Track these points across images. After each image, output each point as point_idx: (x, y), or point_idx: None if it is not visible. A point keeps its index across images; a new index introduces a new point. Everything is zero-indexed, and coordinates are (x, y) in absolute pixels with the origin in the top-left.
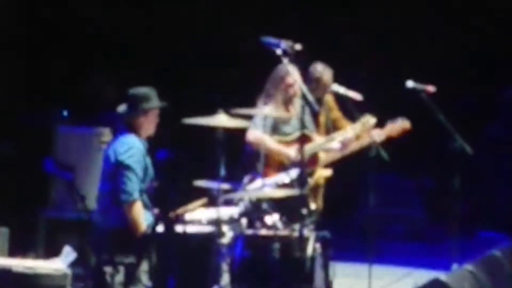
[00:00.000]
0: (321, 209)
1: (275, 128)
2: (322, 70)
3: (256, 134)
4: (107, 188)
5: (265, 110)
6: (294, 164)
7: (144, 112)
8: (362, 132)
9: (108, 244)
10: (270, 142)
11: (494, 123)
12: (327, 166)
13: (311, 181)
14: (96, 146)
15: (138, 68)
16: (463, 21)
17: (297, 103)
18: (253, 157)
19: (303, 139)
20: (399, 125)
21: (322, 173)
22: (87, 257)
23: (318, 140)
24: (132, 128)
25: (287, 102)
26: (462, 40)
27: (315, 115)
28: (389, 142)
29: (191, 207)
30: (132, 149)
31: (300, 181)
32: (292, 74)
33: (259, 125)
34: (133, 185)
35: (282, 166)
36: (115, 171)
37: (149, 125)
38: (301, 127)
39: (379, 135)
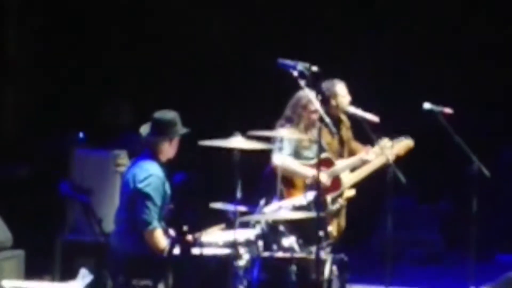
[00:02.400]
0: (343, 229)
1: (297, 153)
2: (336, 84)
3: (282, 157)
4: (124, 214)
5: (282, 132)
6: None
7: (171, 139)
8: (381, 155)
9: (124, 268)
10: (297, 165)
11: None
12: (350, 187)
13: (341, 201)
14: (113, 169)
15: (154, 91)
16: (481, 41)
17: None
18: (274, 180)
19: (325, 163)
20: (404, 144)
21: (346, 194)
22: (103, 279)
23: (339, 163)
24: (154, 152)
25: (307, 128)
26: (481, 60)
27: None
28: (399, 162)
29: (209, 232)
30: (151, 176)
31: (317, 204)
32: (314, 101)
33: (283, 149)
34: (152, 214)
35: (305, 188)
36: (133, 198)
37: (171, 150)
38: (320, 150)
39: (391, 153)
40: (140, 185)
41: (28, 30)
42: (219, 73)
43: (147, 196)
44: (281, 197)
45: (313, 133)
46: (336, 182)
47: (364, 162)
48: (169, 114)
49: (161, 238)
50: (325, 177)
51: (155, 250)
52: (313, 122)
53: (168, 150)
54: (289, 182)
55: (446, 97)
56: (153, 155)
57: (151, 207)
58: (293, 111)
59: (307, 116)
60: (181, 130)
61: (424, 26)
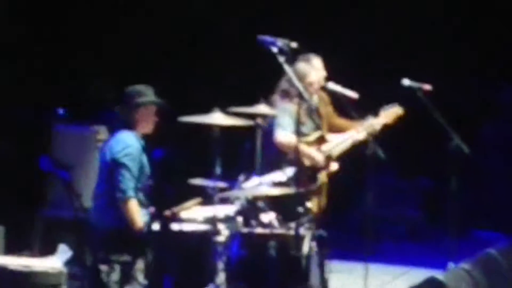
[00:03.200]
0: (325, 207)
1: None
2: (311, 58)
3: (288, 136)
4: (103, 188)
5: (260, 108)
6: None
7: (136, 107)
8: (371, 133)
9: (104, 243)
10: (303, 146)
11: (491, 123)
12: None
13: (320, 177)
14: (93, 145)
15: (136, 68)
16: (461, 18)
17: (314, 101)
18: (277, 158)
19: (318, 141)
20: (393, 112)
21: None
22: (83, 255)
23: (332, 140)
24: (128, 125)
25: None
26: (460, 38)
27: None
28: (380, 138)
29: (186, 206)
30: (128, 147)
31: (296, 180)
32: (311, 73)
33: (287, 126)
34: (128, 183)
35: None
36: (111, 170)
37: (144, 121)
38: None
39: (377, 123)
40: (116, 156)
41: (10, 4)
42: (200, 50)
43: (123, 166)
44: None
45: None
46: (327, 160)
47: (354, 141)
48: (138, 86)
49: (135, 209)
50: (321, 158)
51: (130, 220)
52: (310, 95)
53: (141, 121)
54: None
55: (426, 73)
56: (128, 128)
57: (128, 177)
58: (291, 84)
59: (305, 88)
60: (148, 99)
61: (404, 2)
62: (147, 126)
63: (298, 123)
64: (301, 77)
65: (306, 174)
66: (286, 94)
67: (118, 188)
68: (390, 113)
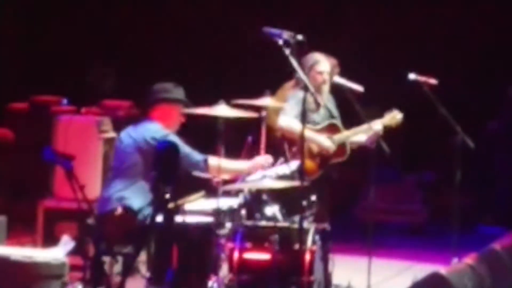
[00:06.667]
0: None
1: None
2: (319, 57)
3: (288, 120)
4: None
5: (265, 101)
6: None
7: (158, 102)
8: (390, 125)
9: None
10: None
11: (497, 118)
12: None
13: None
14: (96, 135)
15: (139, 59)
16: (467, 13)
17: (325, 92)
18: (280, 144)
19: (330, 129)
20: (392, 116)
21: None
22: (86, 246)
23: (345, 131)
24: (156, 118)
25: (316, 91)
26: (466, 32)
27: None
28: (388, 134)
29: (190, 199)
30: (165, 131)
31: (300, 173)
32: (321, 62)
33: (290, 111)
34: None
35: (309, 153)
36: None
37: (167, 119)
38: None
39: (379, 128)
40: (167, 137)
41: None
42: (205, 42)
43: (176, 143)
44: (285, 158)
45: (322, 96)
46: (340, 149)
47: (371, 131)
48: (166, 83)
49: (215, 163)
50: (329, 144)
51: (229, 174)
52: (319, 84)
53: (162, 117)
54: (294, 144)
55: (432, 67)
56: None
57: (186, 148)
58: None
59: (313, 77)
60: (175, 96)
61: None
62: (172, 125)
63: (304, 109)
64: (312, 65)
65: (315, 161)
66: (297, 83)
67: (196, 159)
68: (390, 117)
